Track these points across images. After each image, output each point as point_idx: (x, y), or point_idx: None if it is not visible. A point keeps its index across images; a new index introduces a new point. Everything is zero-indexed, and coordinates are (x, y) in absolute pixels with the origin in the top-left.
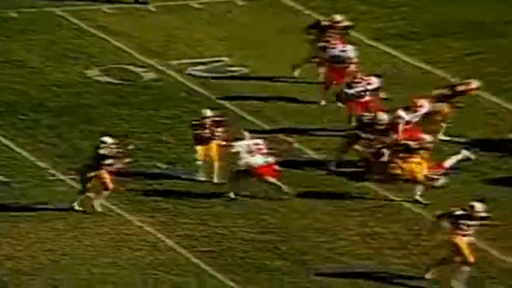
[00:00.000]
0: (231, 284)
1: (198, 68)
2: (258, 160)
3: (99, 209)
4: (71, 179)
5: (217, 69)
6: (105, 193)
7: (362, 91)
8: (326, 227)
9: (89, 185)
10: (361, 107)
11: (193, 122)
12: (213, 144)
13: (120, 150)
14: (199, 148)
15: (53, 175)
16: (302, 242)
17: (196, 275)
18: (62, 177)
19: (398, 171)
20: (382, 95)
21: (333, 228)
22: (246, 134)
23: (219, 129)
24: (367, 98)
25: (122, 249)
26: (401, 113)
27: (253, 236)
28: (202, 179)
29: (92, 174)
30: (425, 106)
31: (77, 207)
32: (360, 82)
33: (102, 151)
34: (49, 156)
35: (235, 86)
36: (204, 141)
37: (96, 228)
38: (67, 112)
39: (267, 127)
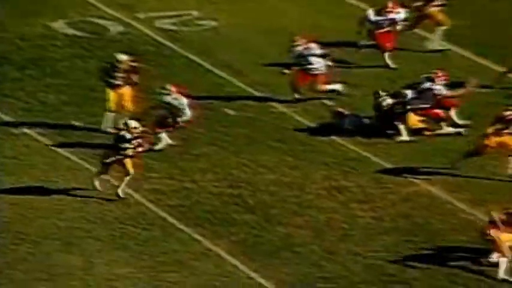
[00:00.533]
0: (199, 237)
1: (166, 21)
2: (188, 114)
3: (122, 195)
4: (36, 132)
5: (186, 22)
6: (127, 178)
7: (301, 56)
8: (293, 181)
9: (110, 169)
10: (307, 78)
11: (105, 65)
12: (126, 90)
13: (143, 131)
14: (111, 94)
15: (17, 127)
16: (270, 196)
17: (164, 229)
18: (26, 130)
19: (490, 143)
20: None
21: (300, 182)
22: (172, 88)
23: (132, 75)
24: (316, 71)
25: (89, 203)
26: (439, 87)
27: (221, 190)
28: (110, 130)
29: (112, 159)
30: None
31: (98, 187)
32: (298, 45)
33: (123, 134)
34: (13, 110)
35: (205, 39)
36: (116, 86)
37: (63, 182)
38: (31, 66)
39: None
